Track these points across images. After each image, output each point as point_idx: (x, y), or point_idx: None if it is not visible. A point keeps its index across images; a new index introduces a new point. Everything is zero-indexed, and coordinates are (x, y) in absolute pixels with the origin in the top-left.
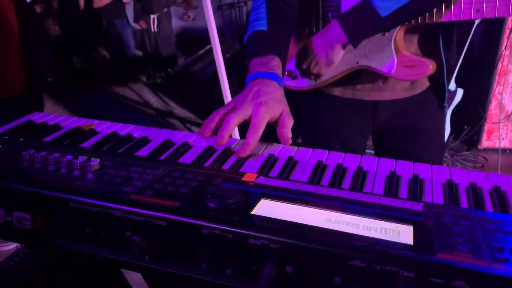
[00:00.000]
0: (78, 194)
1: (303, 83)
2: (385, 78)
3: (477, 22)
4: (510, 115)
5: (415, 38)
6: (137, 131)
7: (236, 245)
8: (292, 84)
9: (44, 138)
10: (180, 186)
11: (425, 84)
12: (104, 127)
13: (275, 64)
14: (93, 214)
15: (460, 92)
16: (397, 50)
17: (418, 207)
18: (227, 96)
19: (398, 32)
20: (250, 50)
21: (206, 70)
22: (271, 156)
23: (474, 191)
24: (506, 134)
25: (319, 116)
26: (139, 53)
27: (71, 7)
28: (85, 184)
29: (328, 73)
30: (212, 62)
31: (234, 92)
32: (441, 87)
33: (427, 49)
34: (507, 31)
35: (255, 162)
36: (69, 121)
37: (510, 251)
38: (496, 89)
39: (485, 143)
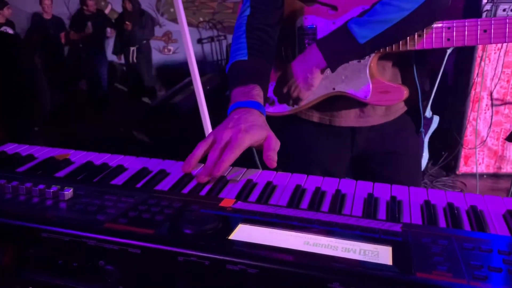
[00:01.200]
0: (50, 224)
1: (281, 109)
2: (361, 104)
3: (449, 51)
4: (485, 141)
5: (389, 65)
6: (113, 160)
7: (213, 271)
8: (270, 110)
9: (17, 168)
10: (155, 213)
11: (401, 110)
12: (79, 157)
13: (256, 93)
14: (65, 243)
15: (436, 119)
16: (372, 76)
17: (397, 227)
18: (208, 128)
19: (373, 59)
20: (232, 80)
21: (187, 102)
22: (249, 181)
23: (451, 211)
24: (483, 159)
25: (298, 142)
26: (118, 86)
27: (51, 42)
28: (58, 214)
29: (306, 98)
30: (193, 94)
31: (215, 124)
32: (416, 112)
33: (402, 75)
34: (478, 59)
35: (233, 187)
36: (43, 152)
37: (488, 268)
38: (471, 115)
39: (462, 168)
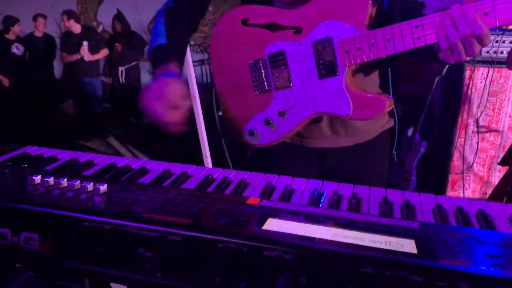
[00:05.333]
0: (91, 213)
1: (267, 140)
2: (332, 126)
3: (437, 79)
4: (471, 166)
5: (367, 76)
6: (135, 163)
7: (250, 258)
8: (256, 142)
9: (44, 167)
10: (189, 206)
11: (375, 131)
12: (101, 159)
13: (173, 66)
14: (106, 232)
15: (424, 144)
16: (349, 91)
17: (415, 225)
18: (205, 144)
19: (347, 73)
20: (154, 61)
21: None
22: (269, 183)
23: (461, 213)
24: (469, 184)
25: (268, 161)
26: (107, 105)
27: (42, 63)
28: (96, 205)
29: (289, 125)
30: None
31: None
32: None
33: (381, 85)
34: (465, 88)
35: (255, 188)
36: (65, 154)
37: (504, 259)
38: (458, 141)
39: (449, 193)
